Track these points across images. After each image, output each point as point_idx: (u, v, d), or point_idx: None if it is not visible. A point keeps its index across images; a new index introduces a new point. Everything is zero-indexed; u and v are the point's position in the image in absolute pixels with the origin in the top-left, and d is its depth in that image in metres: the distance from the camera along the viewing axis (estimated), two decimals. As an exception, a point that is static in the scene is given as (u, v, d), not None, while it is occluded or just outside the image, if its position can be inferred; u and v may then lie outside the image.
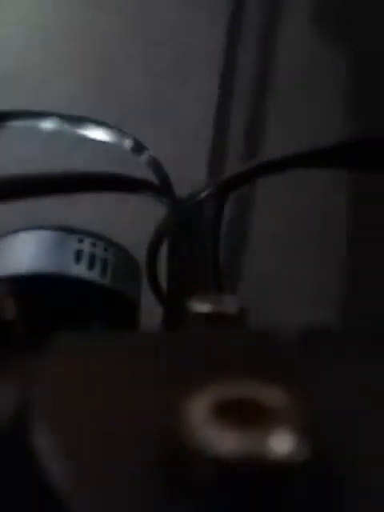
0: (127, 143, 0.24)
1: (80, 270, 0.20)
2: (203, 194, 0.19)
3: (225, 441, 0.09)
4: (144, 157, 0.24)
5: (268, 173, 0.20)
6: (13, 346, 0.13)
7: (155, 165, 0.23)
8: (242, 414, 0.09)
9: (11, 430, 0.10)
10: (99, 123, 0.25)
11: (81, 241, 0.21)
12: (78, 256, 0.20)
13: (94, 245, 0.21)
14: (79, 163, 0.70)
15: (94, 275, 0.20)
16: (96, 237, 0.22)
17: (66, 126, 0.25)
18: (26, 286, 0.18)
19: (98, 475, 0.09)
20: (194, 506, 0.09)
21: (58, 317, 0.18)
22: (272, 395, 0.10)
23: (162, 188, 0.20)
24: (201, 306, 0.14)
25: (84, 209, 0.66)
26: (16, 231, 0.22)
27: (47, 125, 0.25)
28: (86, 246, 0.21)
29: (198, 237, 0.19)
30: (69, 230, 0.22)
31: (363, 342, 0.13)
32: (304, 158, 0.19)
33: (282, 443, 0.09)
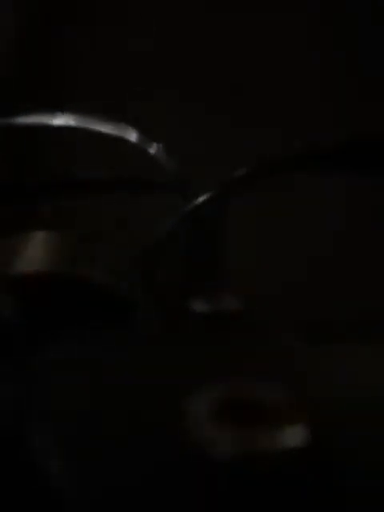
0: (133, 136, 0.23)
1: (81, 270, 0.20)
2: (206, 196, 0.19)
3: (225, 440, 0.09)
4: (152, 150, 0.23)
5: (272, 174, 0.19)
6: (13, 346, 0.13)
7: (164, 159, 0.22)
8: (241, 413, 0.09)
9: (11, 429, 0.10)
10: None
11: (82, 240, 0.21)
12: (80, 256, 0.20)
13: (94, 244, 0.21)
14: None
15: (95, 275, 0.20)
16: (97, 236, 0.22)
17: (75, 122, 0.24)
18: (27, 286, 0.18)
19: (97, 475, 0.09)
20: (195, 504, 0.09)
21: (58, 317, 0.18)
22: (272, 395, 0.10)
23: (172, 186, 0.20)
24: (201, 306, 0.14)
25: (84, 206, 0.66)
26: (19, 232, 0.22)
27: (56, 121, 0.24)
28: (87, 245, 0.21)
29: (198, 237, 0.19)
30: (69, 230, 0.22)
31: (362, 339, 0.13)
32: (309, 158, 0.19)
33: (281, 442, 0.09)
